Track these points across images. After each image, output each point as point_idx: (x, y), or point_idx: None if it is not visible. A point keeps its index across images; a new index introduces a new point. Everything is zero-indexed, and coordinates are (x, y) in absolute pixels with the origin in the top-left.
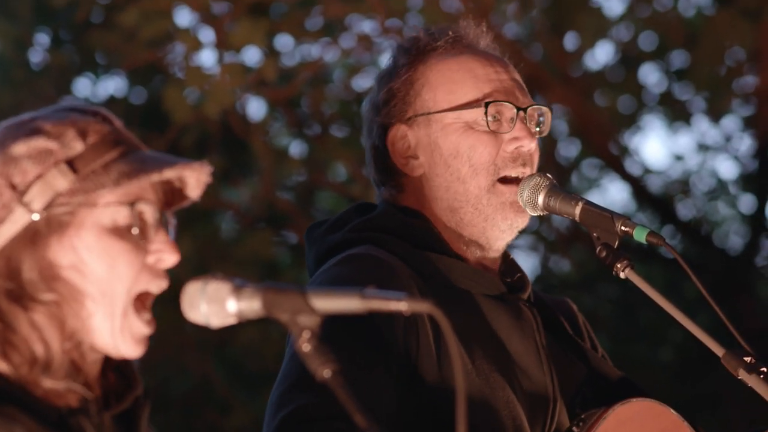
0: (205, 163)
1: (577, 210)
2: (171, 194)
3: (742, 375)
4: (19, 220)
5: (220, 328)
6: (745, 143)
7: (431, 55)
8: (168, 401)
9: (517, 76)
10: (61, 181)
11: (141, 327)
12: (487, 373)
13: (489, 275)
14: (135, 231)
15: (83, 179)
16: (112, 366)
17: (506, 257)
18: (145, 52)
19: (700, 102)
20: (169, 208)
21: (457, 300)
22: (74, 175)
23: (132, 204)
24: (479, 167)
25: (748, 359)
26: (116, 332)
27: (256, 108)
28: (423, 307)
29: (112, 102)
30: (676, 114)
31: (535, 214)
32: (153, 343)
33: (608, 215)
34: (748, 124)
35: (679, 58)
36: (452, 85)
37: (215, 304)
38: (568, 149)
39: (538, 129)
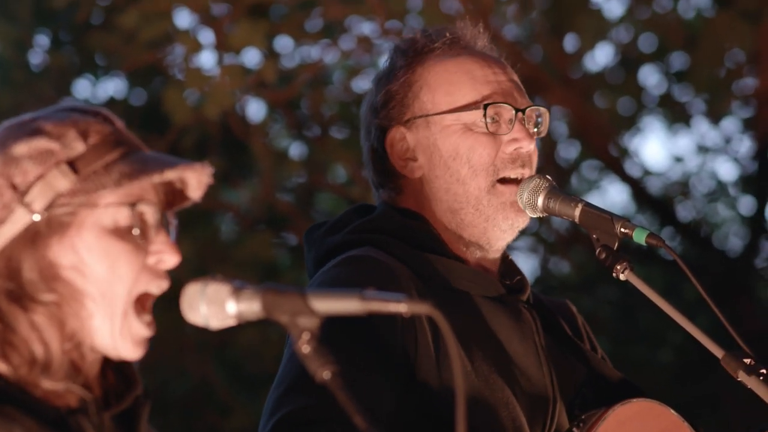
0: (206, 164)
1: (577, 212)
2: (172, 195)
3: (742, 377)
4: (19, 220)
5: (220, 329)
6: (745, 145)
7: (429, 57)
8: (167, 403)
9: (515, 77)
10: (62, 181)
11: (141, 329)
12: (487, 374)
13: (488, 277)
14: (136, 232)
15: (84, 180)
16: (112, 366)
17: (505, 259)
18: (144, 54)
19: (699, 104)
20: (170, 209)
21: (456, 301)
22: (75, 176)
23: (133, 205)
24: (478, 168)
25: (747, 361)
26: (116, 334)
27: (255, 109)
28: (422, 308)
29: (111, 103)
30: (676, 116)
31: (535, 216)
32: (152, 344)
33: (608, 217)
34: (748, 125)
35: (678, 60)
36: (450, 87)
37: (215, 306)
38: (568, 151)
39: (536, 130)
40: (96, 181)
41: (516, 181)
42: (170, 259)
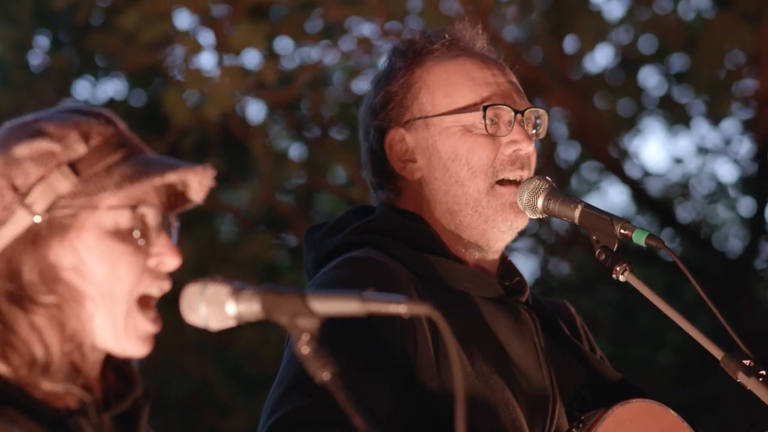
0: (207, 166)
1: (577, 213)
2: (174, 197)
3: (741, 378)
4: (20, 221)
5: (220, 330)
6: (745, 146)
7: (428, 58)
8: (167, 404)
9: (514, 79)
10: (63, 183)
11: (146, 325)
12: (487, 375)
13: (488, 278)
14: (137, 234)
15: (85, 182)
16: (112, 367)
17: (504, 260)
18: (144, 55)
19: (699, 105)
20: (171, 211)
21: (455, 302)
22: (76, 178)
23: (134, 207)
24: (478, 170)
25: (747, 362)
26: (120, 332)
27: (255, 111)
28: (422, 309)
29: (111, 104)
30: (676, 117)
31: (535, 217)
32: (152, 345)
33: (607, 218)
34: (748, 127)
35: (678, 62)
36: (450, 89)
37: (214, 307)
38: (568, 152)
39: (535, 131)
40: (97, 183)
41: (515, 183)
42: (171, 261)
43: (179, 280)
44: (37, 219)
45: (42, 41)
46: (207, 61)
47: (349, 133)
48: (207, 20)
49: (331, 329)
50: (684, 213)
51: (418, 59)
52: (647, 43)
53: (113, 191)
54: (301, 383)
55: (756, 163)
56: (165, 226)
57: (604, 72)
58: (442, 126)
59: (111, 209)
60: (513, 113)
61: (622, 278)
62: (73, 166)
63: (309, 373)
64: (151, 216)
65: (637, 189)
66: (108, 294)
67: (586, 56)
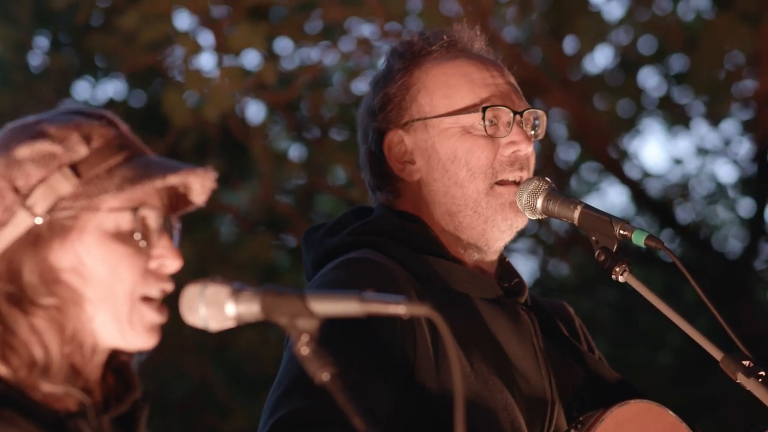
0: (209, 168)
1: (576, 213)
2: (176, 199)
3: (741, 379)
4: (21, 223)
5: (219, 331)
6: (744, 147)
7: (426, 60)
8: (167, 404)
9: (512, 80)
10: (64, 185)
11: (152, 315)
12: (485, 376)
13: (486, 279)
14: (137, 236)
15: (86, 183)
16: (112, 369)
17: (502, 261)
18: (144, 56)
19: (699, 106)
20: (173, 213)
21: (454, 303)
22: (77, 180)
23: (135, 209)
24: (477, 171)
25: (746, 363)
26: (125, 326)
27: (255, 111)
28: (421, 310)
29: (111, 105)
30: (676, 118)
31: (534, 218)
32: (159, 336)
33: (607, 219)
34: (747, 127)
35: (678, 62)
36: (448, 90)
37: (214, 308)
38: (568, 153)
39: (534, 132)
40: (98, 185)
41: (515, 183)
42: (172, 263)
43: (179, 280)
44: (39, 220)
45: (42, 42)
46: (207, 61)
47: (349, 133)
48: (207, 21)
49: (331, 330)
50: (683, 214)
51: (416, 61)
52: (647, 44)
53: (114, 193)
54: (300, 384)
55: (755, 164)
56: (166, 228)
57: (603, 73)
58: (441, 127)
59: (112, 211)
60: (512, 114)
61: (621, 279)
62: (75, 168)
63: (309, 373)
64: (153, 218)
65: (637, 190)
66: (109, 295)
67: (586, 57)
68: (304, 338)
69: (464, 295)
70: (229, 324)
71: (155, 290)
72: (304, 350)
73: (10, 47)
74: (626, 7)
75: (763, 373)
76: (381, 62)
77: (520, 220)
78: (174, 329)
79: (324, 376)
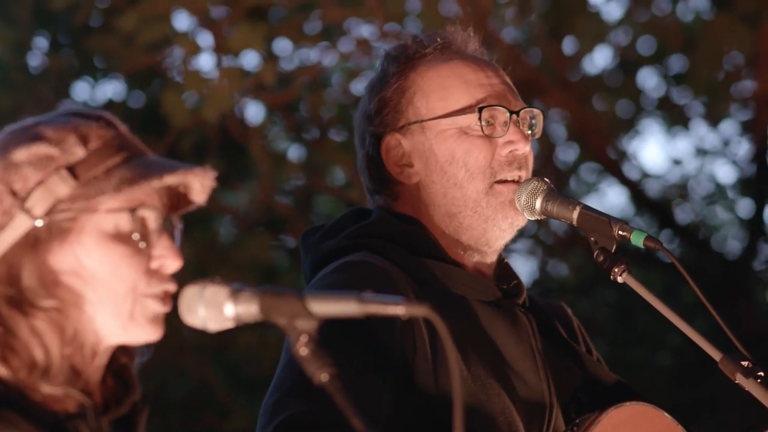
0: (207, 167)
1: (575, 214)
2: (177, 198)
3: (740, 379)
4: (20, 226)
5: (218, 332)
6: (744, 147)
7: (421, 63)
8: (167, 405)
9: (508, 79)
10: (61, 187)
11: (155, 305)
12: (483, 379)
13: (485, 281)
14: (136, 237)
15: (84, 185)
16: (112, 371)
17: (501, 262)
18: (143, 56)
19: (698, 106)
20: (174, 213)
21: (453, 306)
22: (75, 181)
23: (133, 210)
24: (476, 172)
25: (745, 363)
26: (128, 322)
27: (254, 112)
28: (420, 310)
29: (110, 106)
30: (675, 118)
31: (533, 219)
32: (152, 346)
33: (606, 219)
34: (747, 128)
35: (677, 63)
36: (444, 92)
37: (213, 308)
38: (567, 153)
39: (530, 131)
40: (96, 186)
41: (514, 182)
42: (172, 263)
43: (179, 281)
44: (38, 223)
45: (41, 42)
46: (206, 62)
47: (348, 134)
48: (206, 22)
49: (330, 331)
50: (682, 214)
51: (411, 64)
52: (646, 45)
53: (112, 194)
54: (299, 387)
55: (755, 165)
56: (167, 228)
57: (602, 73)
58: (438, 129)
59: (110, 212)
60: (508, 114)
61: (620, 279)
62: (72, 170)
63: (307, 375)
64: (152, 218)
65: (636, 190)
66: (110, 296)
67: (585, 57)
68: (303, 339)
69: (462, 298)
70: (228, 325)
71: (158, 291)
72: (303, 351)
73: (10, 48)
74: (625, 8)
75: (761, 373)
76: (376, 66)
77: (521, 218)
78: (174, 330)
79: (323, 376)
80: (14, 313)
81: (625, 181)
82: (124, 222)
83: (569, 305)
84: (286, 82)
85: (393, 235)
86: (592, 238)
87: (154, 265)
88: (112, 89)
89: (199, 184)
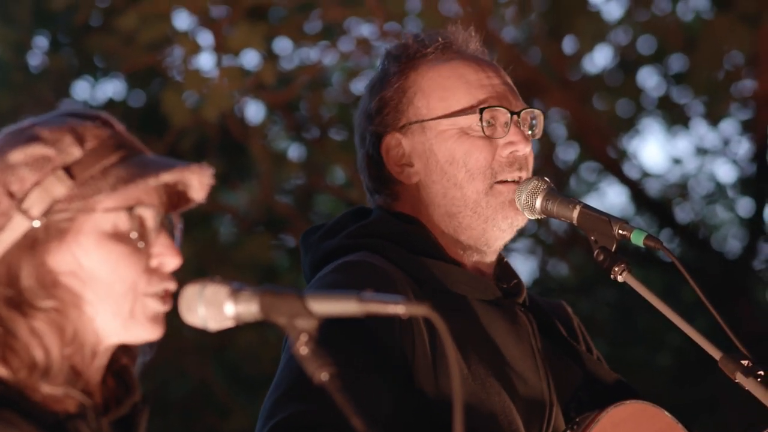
0: (205, 165)
1: (575, 213)
2: (176, 197)
3: (740, 378)
4: (17, 227)
5: (218, 331)
6: (744, 147)
7: (422, 62)
8: (167, 404)
9: (508, 80)
10: (58, 187)
11: (155, 304)
12: (483, 378)
13: (485, 280)
14: (133, 236)
15: (81, 185)
16: (112, 371)
17: (501, 261)
18: (143, 56)
19: (698, 106)
20: (174, 211)
21: (452, 305)
22: (72, 181)
23: (131, 208)
24: (476, 172)
25: (745, 363)
26: (128, 321)
27: (254, 111)
28: (420, 310)
29: (110, 105)
30: (675, 118)
31: (533, 218)
32: (154, 346)
33: (606, 219)
34: (747, 127)
35: (677, 62)
36: (445, 92)
37: (213, 308)
38: (567, 153)
39: (531, 132)
40: (93, 186)
41: (514, 183)
42: (171, 261)
43: (179, 280)
44: (36, 224)
45: (41, 42)
46: (206, 61)
47: (348, 133)
48: (206, 21)
49: (330, 330)
50: (683, 214)
51: (411, 63)
52: (646, 44)
53: (108, 193)
54: (299, 387)
55: (755, 164)
56: (166, 227)
57: (602, 73)
58: (439, 129)
59: (108, 211)
60: (509, 114)
61: (620, 279)
62: (69, 170)
63: (307, 375)
64: (150, 217)
65: (636, 190)
66: (109, 295)
67: (585, 57)
68: (303, 338)
69: (462, 297)
70: (228, 324)
71: (158, 289)
72: (303, 350)
73: (10, 47)
74: (625, 7)
75: (761, 372)
76: (377, 66)
77: (521, 218)
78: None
79: (323, 375)
80: (14, 314)
81: (625, 180)
82: (122, 221)
83: (569, 304)
84: (286, 81)
85: (393, 235)
86: (592, 238)
87: (154, 263)
88: (112, 89)
89: (197, 182)
